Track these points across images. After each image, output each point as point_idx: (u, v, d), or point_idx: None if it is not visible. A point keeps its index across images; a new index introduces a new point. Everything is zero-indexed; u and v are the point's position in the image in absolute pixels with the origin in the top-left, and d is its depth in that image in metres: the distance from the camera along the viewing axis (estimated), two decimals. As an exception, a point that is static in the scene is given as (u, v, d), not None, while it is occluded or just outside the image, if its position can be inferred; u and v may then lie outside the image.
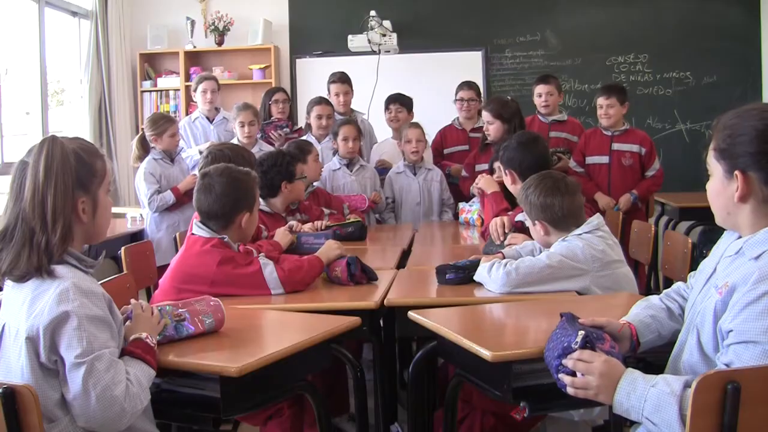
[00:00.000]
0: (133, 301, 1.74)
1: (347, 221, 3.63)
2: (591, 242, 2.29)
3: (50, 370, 1.46)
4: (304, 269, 2.43)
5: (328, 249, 2.57)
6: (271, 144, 4.45)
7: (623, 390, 1.39)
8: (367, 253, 3.22)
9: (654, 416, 1.33)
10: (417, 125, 4.33)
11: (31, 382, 1.43)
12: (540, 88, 4.51)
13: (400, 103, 4.66)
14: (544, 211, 2.37)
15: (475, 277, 2.39)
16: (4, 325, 1.53)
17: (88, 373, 1.43)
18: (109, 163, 1.67)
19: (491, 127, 3.99)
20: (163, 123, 4.31)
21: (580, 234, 2.32)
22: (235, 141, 4.34)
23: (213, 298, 1.89)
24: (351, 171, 4.20)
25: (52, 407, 1.45)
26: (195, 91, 4.91)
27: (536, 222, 2.41)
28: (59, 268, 1.51)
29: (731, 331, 1.34)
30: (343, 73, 4.75)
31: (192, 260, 2.30)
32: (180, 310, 1.81)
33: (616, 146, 4.32)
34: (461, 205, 4.09)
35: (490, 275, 2.30)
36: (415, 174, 4.30)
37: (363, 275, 2.50)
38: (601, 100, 4.39)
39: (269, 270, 2.34)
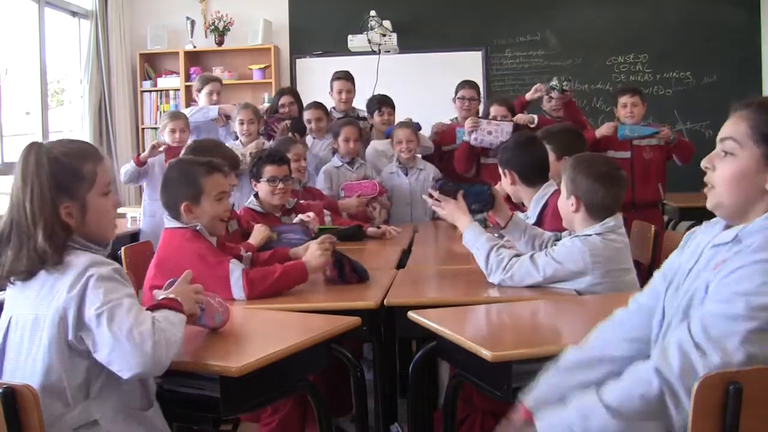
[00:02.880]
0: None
1: (344, 228, 3.60)
2: (596, 246, 2.26)
3: (76, 351, 1.50)
4: (273, 278, 2.31)
5: (312, 255, 2.45)
6: (273, 138, 4.48)
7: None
8: (368, 253, 3.22)
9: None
10: (406, 125, 4.34)
11: (54, 368, 1.48)
12: (625, 99, 4.39)
13: (390, 105, 4.69)
14: (587, 193, 2.31)
15: (465, 242, 2.43)
16: (10, 319, 1.55)
17: (110, 320, 1.46)
18: (107, 164, 1.66)
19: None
20: (163, 119, 4.42)
21: (589, 235, 2.29)
22: (236, 143, 4.38)
23: (218, 298, 1.89)
24: (353, 169, 4.23)
25: (75, 391, 1.50)
26: (199, 91, 4.92)
27: (572, 197, 2.34)
28: (70, 258, 1.54)
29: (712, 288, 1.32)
30: (347, 71, 4.80)
31: (171, 256, 2.29)
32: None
33: (636, 141, 4.30)
34: None
35: (487, 266, 2.34)
36: (406, 174, 4.31)
37: (354, 274, 2.47)
38: (625, 99, 4.36)
39: (236, 277, 2.28)
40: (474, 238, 2.41)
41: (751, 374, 1.25)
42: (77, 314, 1.48)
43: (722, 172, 1.40)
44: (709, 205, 1.46)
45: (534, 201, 2.84)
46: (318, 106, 4.62)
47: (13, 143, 4.90)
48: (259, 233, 2.95)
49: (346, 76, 4.77)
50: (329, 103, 4.84)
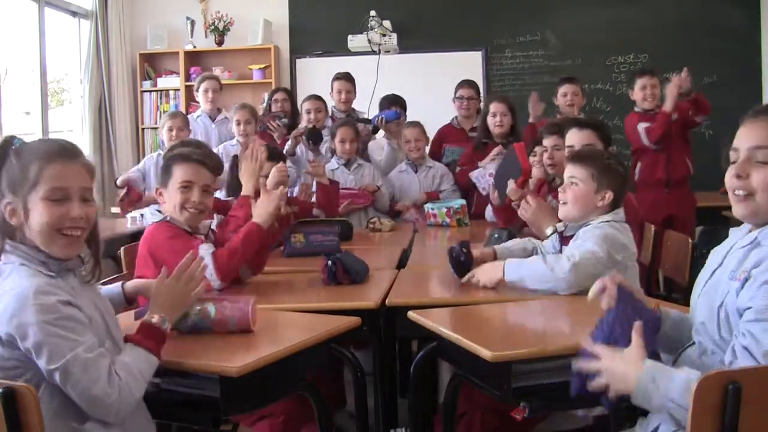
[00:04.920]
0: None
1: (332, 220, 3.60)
2: (621, 232, 2.28)
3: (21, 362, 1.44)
4: (239, 251, 2.36)
5: (262, 206, 2.50)
6: (270, 136, 4.52)
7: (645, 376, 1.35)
8: (368, 252, 3.21)
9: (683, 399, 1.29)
10: (415, 124, 4.37)
11: None
12: (645, 81, 4.35)
13: (399, 105, 4.70)
14: (623, 184, 2.35)
15: (510, 278, 2.27)
16: None
17: (64, 380, 1.41)
18: (66, 168, 1.51)
19: (505, 118, 4.13)
20: (163, 118, 4.45)
21: (609, 221, 2.29)
22: (233, 141, 4.44)
23: (247, 299, 1.87)
24: (349, 170, 4.24)
25: None
26: (197, 90, 4.98)
27: (606, 191, 2.32)
28: (13, 270, 1.47)
29: (749, 308, 1.34)
30: (347, 72, 4.81)
31: (147, 248, 2.38)
32: (209, 307, 1.83)
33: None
34: (426, 208, 4.05)
35: (553, 270, 2.16)
36: (416, 172, 4.33)
37: (346, 275, 2.47)
38: (644, 80, 4.32)
39: (207, 262, 2.20)
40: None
41: (750, 374, 1.26)
42: (24, 346, 1.41)
43: (763, 179, 1.40)
44: (742, 213, 1.45)
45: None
46: (318, 97, 4.64)
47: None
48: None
49: (346, 77, 4.78)
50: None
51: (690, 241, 3.05)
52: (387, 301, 2.24)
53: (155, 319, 1.63)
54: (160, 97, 6.28)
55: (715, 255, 1.57)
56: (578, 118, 3.51)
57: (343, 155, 4.22)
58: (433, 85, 5.68)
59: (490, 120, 4.19)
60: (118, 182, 4.35)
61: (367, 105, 5.20)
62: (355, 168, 4.25)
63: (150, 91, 6.29)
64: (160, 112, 6.07)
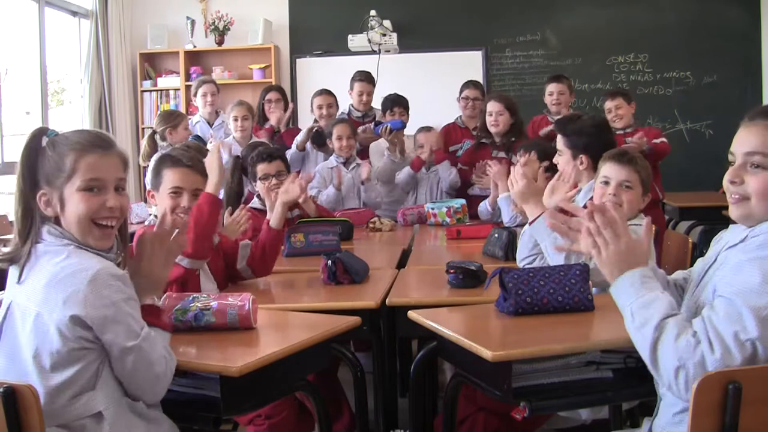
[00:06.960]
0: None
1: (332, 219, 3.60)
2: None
3: (85, 348, 1.46)
4: (190, 225, 2.27)
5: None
6: (266, 133, 4.62)
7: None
8: (369, 252, 3.22)
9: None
10: (429, 129, 4.39)
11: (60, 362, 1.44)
12: (608, 104, 4.37)
13: (402, 105, 4.70)
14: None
15: (534, 231, 2.30)
16: (10, 306, 1.50)
17: (137, 357, 1.47)
18: (102, 159, 1.52)
19: (501, 117, 4.10)
20: (177, 116, 4.47)
21: (638, 224, 2.27)
22: (230, 139, 4.50)
23: (247, 294, 1.90)
24: (348, 169, 4.24)
25: (83, 382, 1.47)
26: (195, 95, 4.98)
27: (648, 194, 2.38)
28: (71, 256, 1.48)
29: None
30: (369, 72, 4.80)
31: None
32: (212, 302, 1.86)
33: (629, 140, 4.20)
34: (427, 207, 4.05)
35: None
36: (427, 170, 4.35)
37: (346, 275, 2.47)
38: (608, 104, 4.36)
39: None
40: (548, 233, 2.25)
41: (751, 373, 1.26)
42: (98, 325, 1.43)
43: (757, 185, 1.43)
44: (736, 215, 1.49)
45: (587, 188, 2.65)
46: (329, 92, 4.66)
47: (13, 143, 4.90)
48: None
49: (368, 79, 4.77)
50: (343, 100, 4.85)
51: (690, 240, 3.06)
52: (387, 300, 2.25)
53: (148, 301, 1.63)
54: (161, 97, 6.28)
55: (711, 252, 1.59)
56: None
57: (341, 152, 4.21)
58: (433, 85, 5.69)
59: (487, 119, 4.19)
60: None
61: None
62: (353, 167, 4.25)
63: (150, 91, 6.29)
64: (161, 112, 6.07)
